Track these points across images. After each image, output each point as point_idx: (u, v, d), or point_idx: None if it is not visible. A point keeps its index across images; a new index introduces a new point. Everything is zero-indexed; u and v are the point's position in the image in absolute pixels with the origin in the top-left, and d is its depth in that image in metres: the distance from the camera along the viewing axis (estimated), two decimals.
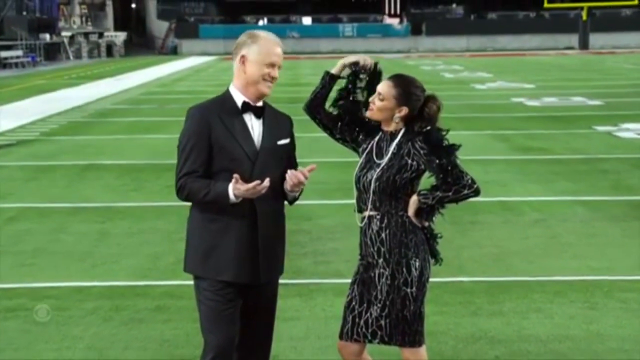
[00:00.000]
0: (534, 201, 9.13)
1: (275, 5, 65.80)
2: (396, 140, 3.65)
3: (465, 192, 3.53)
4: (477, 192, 3.55)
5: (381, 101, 3.63)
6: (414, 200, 3.58)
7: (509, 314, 5.57)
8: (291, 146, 3.62)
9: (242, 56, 3.46)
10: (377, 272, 3.63)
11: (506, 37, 62.17)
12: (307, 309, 5.74)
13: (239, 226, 3.44)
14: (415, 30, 63.63)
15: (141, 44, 68.59)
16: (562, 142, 13.63)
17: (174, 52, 60.75)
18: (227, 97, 3.53)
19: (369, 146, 3.73)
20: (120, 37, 61.38)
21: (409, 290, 3.57)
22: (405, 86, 3.63)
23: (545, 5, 56.92)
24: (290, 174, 3.47)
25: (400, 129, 3.66)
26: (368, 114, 3.71)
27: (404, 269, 3.57)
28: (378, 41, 62.04)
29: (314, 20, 65.35)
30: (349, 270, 3.72)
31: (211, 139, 3.41)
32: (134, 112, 19.60)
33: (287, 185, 3.51)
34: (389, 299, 3.59)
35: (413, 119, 3.64)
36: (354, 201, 3.76)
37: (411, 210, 3.58)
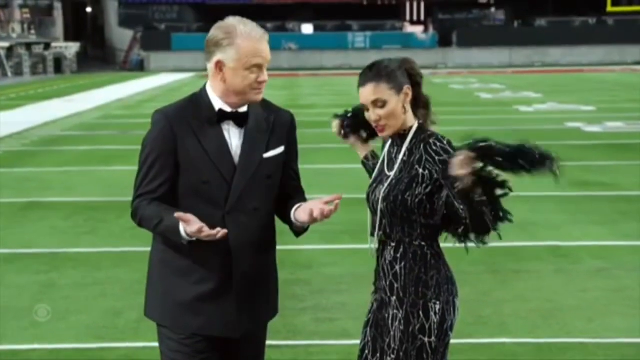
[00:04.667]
0: (594, 246, 9.17)
1: (268, 10, 66.45)
2: (406, 143, 3.65)
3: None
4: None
5: (382, 108, 3.58)
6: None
7: None
8: (288, 155, 3.58)
9: (218, 62, 3.43)
10: (390, 312, 3.62)
11: (559, 49, 62.65)
12: None
13: (209, 261, 3.43)
14: (444, 41, 64.14)
15: (98, 58, 69.23)
16: (630, 175, 13.69)
17: (140, 68, 61.23)
18: (202, 99, 3.53)
19: (382, 154, 3.76)
20: (72, 48, 61.89)
21: (426, 339, 3.57)
22: (384, 69, 3.61)
23: (609, 9, 57.12)
24: (314, 206, 3.40)
25: (411, 127, 3.64)
26: (382, 135, 3.68)
27: (421, 313, 3.57)
28: (397, 54, 62.26)
29: (316, 28, 65.91)
30: (358, 330, 3.71)
31: (178, 153, 3.44)
32: (89, 139, 19.71)
33: (301, 215, 3.47)
34: (402, 349, 3.57)
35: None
36: (367, 237, 3.75)
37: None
